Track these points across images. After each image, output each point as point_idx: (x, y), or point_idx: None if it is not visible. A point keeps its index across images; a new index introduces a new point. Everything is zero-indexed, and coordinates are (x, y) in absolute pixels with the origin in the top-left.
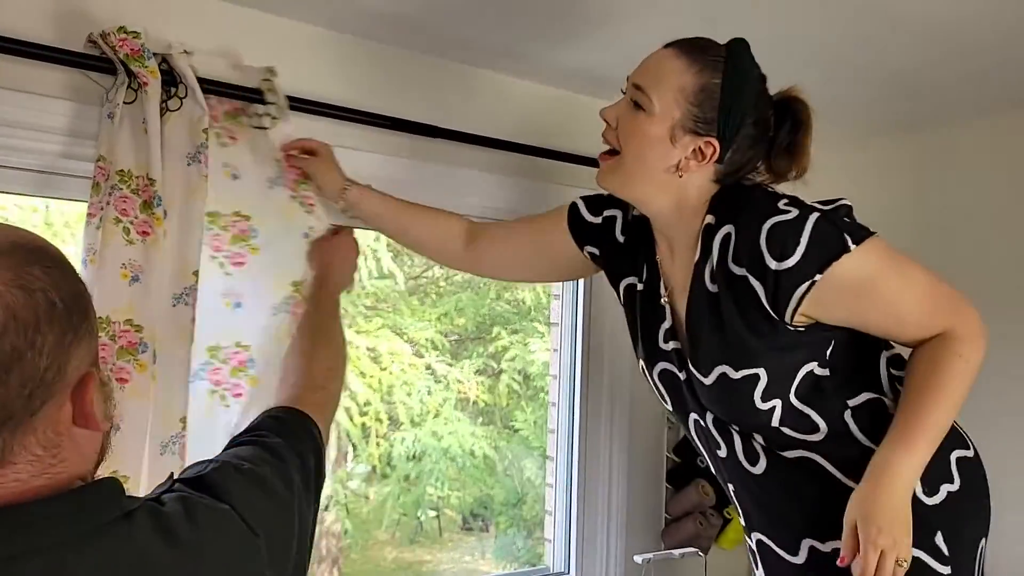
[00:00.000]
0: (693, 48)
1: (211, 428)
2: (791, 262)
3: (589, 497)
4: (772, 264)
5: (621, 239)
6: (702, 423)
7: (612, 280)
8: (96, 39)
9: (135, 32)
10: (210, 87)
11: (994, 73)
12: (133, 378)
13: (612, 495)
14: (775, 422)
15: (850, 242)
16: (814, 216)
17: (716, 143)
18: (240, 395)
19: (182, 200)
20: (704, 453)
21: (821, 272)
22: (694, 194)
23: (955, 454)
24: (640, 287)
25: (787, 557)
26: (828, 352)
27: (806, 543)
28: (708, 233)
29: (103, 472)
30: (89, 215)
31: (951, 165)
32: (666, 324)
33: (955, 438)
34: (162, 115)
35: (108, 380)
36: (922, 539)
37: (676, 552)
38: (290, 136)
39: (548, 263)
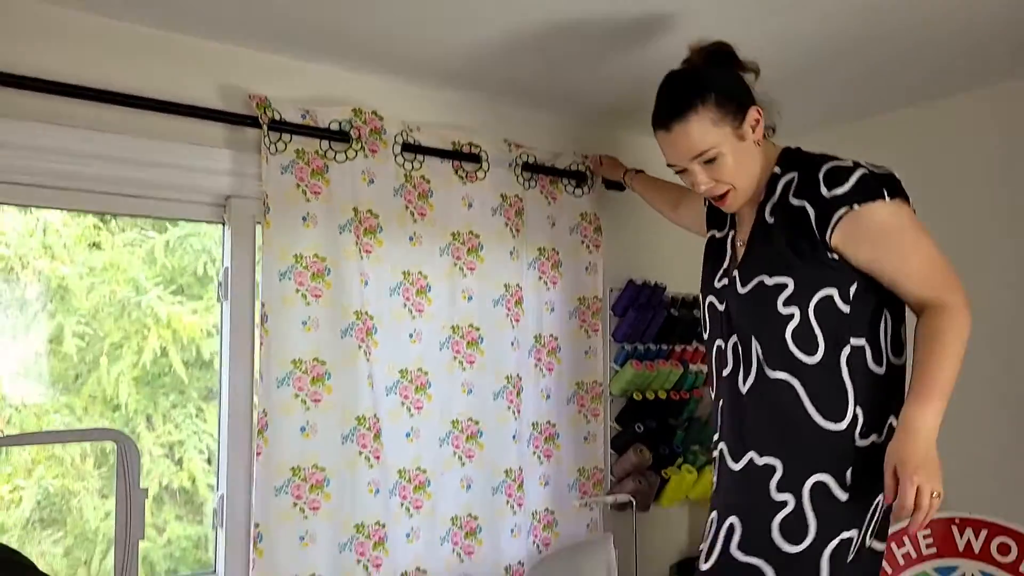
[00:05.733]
0: (684, 105)
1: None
2: (839, 191)
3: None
4: (825, 192)
5: None
6: (723, 347)
7: (707, 232)
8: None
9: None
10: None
11: None
12: None
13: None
14: (788, 331)
15: (886, 194)
16: (863, 170)
17: (758, 108)
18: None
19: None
20: (713, 374)
21: (860, 204)
22: (768, 154)
23: (891, 419)
24: (718, 236)
25: (731, 464)
26: (851, 290)
27: (749, 454)
28: (773, 180)
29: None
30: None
31: None
32: (724, 264)
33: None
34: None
35: None
36: (838, 469)
37: (609, 498)
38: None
39: (699, 223)
